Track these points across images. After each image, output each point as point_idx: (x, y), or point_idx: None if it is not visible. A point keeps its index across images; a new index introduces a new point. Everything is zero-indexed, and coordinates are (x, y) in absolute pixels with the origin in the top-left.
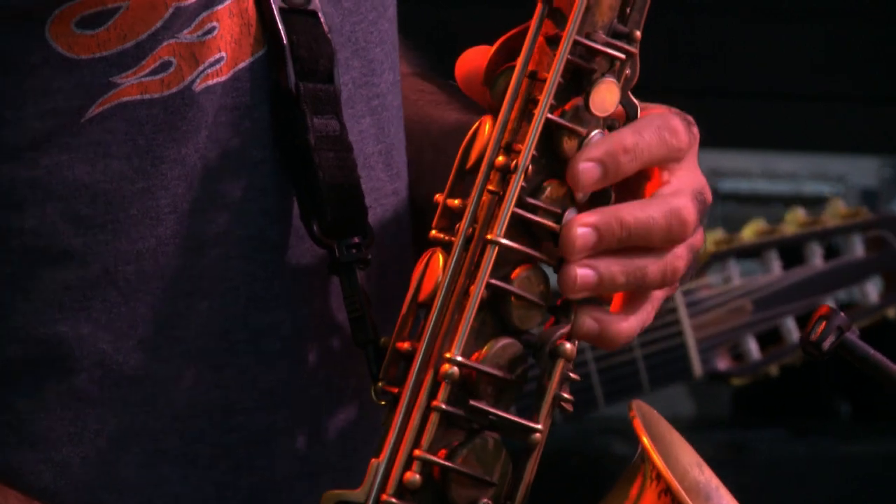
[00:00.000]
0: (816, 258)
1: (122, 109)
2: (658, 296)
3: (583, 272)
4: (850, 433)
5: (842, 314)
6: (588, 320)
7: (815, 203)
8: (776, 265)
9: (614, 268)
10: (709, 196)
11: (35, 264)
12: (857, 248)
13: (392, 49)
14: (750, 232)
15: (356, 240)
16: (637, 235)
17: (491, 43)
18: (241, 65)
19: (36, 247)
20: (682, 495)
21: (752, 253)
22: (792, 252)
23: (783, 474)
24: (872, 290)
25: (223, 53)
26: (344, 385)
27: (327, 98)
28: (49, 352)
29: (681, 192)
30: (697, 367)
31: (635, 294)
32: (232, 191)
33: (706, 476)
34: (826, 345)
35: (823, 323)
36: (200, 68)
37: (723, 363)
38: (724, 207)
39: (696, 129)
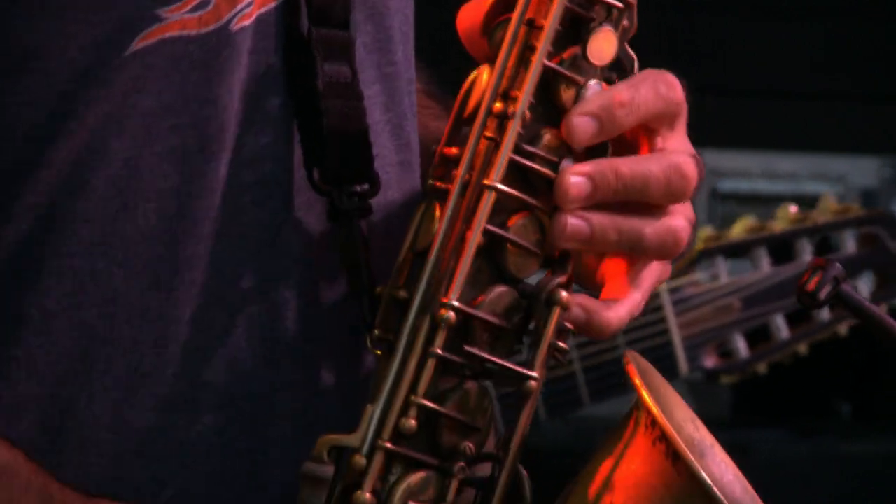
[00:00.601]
0: (806, 255)
1: (162, 45)
2: (647, 283)
3: (574, 221)
4: (850, 433)
5: (837, 265)
6: (576, 308)
7: (814, 203)
8: (765, 262)
9: (607, 222)
10: (702, 168)
11: (57, 194)
12: (849, 245)
13: (407, 25)
14: (739, 229)
15: (357, 188)
16: (633, 188)
17: None
18: (264, 9)
19: (61, 177)
20: (677, 442)
21: (740, 250)
22: (782, 249)
23: (784, 474)
24: (864, 286)
25: None
26: (342, 336)
27: (340, 43)
28: (61, 285)
29: (680, 150)
30: (683, 365)
31: (624, 280)
32: (247, 135)
33: (701, 433)
34: (822, 295)
35: (820, 273)
36: (237, 8)
37: (710, 361)
38: (723, 207)
39: (683, 102)
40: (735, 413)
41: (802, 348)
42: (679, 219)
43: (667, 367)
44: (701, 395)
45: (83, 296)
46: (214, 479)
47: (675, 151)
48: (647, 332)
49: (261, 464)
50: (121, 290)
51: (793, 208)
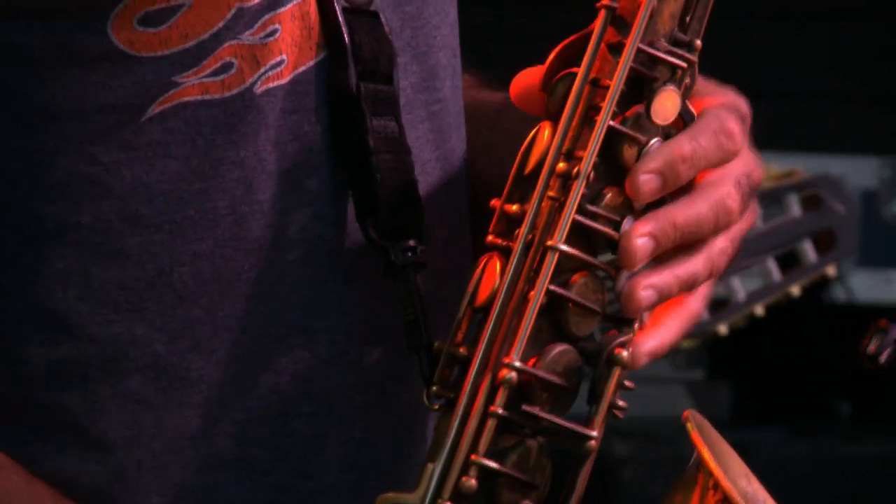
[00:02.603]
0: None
1: (182, 109)
2: (693, 311)
3: (646, 294)
4: (850, 433)
5: None
6: (642, 360)
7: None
8: None
9: (670, 279)
10: (756, 176)
11: (90, 262)
12: (794, 208)
13: (453, 56)
14: None
15: (412, 243)
16: (689, 234)
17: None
18: (302, 68)
19: (91, 244)
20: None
21: None
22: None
23: (784, 474)
24: (809, 248)
25: (284, 56)
26: (395, 390)
27: (386, 99)
28: (103, 353)
29: (725, 178)
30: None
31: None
32: (289, 194)
33: (754, 487)
34: (883, 358)
35: (881, 336)
36: (261, 70)
37: None
38: None
39: (748, 118)
40: (734, 413)
41: (759, 310)
42: (725, 243)
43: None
44: (700, 396)
45: (126, 362)
46: None
47: (723, 180)
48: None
49: None
50: (161, 355)
51: None
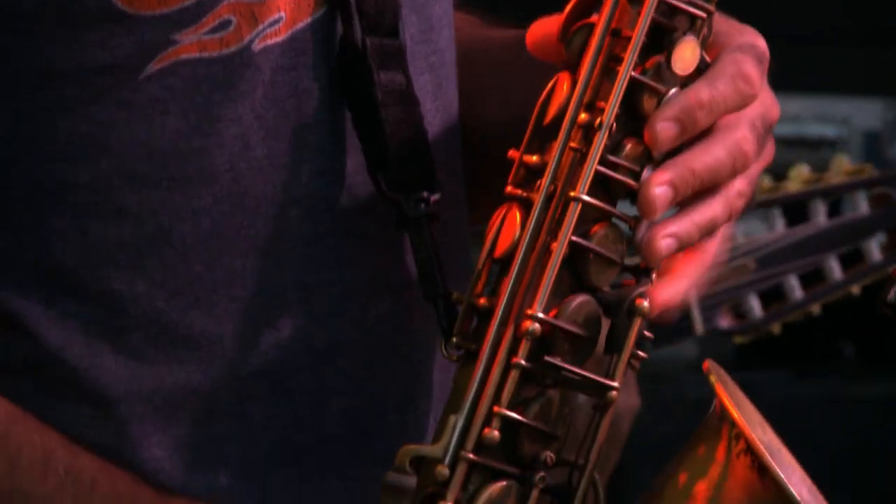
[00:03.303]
0: (820, 216)
1: (180, 67)
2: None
3: (666, 243)
4: (854, 375)
5: None
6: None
7: (818, 145)
8: (779, 223)
9: (689, 226)
10: (773, 116)
11: (89, 220)
12: (862, 205)
13: (448, 5)
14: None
15: (424, 194)
16: (707, 180)
17: None
18: (300, 25)
19: (90, 202)
20: (765, 457)
21: (756, 211)
22: (796, 209)
23: (788, 417)
24: (875, 247)
25: (282, 13)
26: (399, 344)
27: (393, 52)
28: (103, 310)
29: (741, 121)
30: (699, 325)
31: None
32: (287, 151)
33: (769, 436)
34: None
35: None
36: (259, 28)
37: (725, 321)
38: None
39: (766, 58)
40: (738, 356)
41: (816, 308)
42: (743, 185)
43: (682, 327)
44: (704, 339)
45: (126, 319)
46: (269, 491)
47: (739, 122)
48: None
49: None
50: (162, 311)
51: (805, 169)
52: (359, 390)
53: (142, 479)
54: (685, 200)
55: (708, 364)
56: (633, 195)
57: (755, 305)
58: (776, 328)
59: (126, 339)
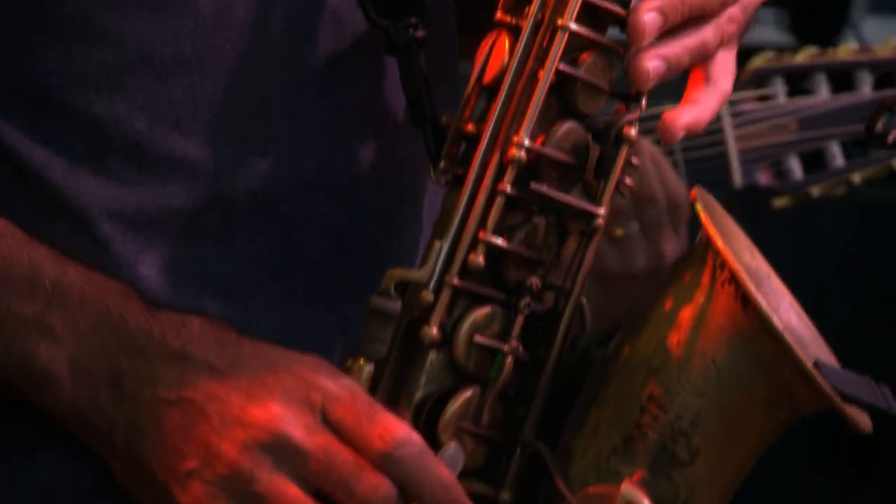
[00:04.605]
0: (866, 86)
1: None
2: (723, 72)
3: (654, 64)
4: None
5: None
6: (679, 132)
7: None
8: (824, 89)
9: (678, 50)
10: None
11: (71, 44)
12: None
13: None
14: (801, 56)
15: (413, 20)
16: (696, 7)
17: None
18: None
19: (72, 27)
20: (748, 287)
21: (800, 75)
22: (842, 78)
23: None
24: None
25: None
26: (385, 168)
27: None
28: (85, 132)
29: None
30: (738, 178)
31: (700, 82)
32: None
33: (758, 262)
34: (891, 137)
35: (889, 116)
36: None
37: (764, 178)
38: None
39: None
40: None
41: (857, 178)
42: (734, 9)
43: (722, 178)
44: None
45: (108, 142)
46: (254, 313)
47: None
48: (704, 142)
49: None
50: (143, 133)
51: (853, 44)
52: (345, 215)
53: (133, 293)
54: (675, 29)
55: (695, 191)
56: (623, 23)
57: (795, 167)
58: (815, 191)
59: (107, 162)
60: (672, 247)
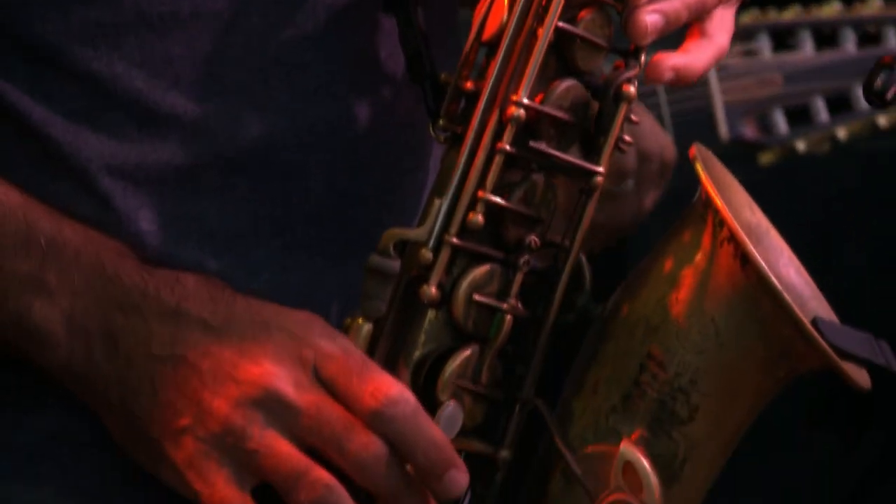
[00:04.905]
0: (850, 44)
1: None
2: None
3: (651, 18)
4: None
5: None
6: (667, 73)
7: None
8: (808, 45)
9: (678, 5)
10: None
11: (69, 2)
12: (892, 40)
13: None
14: (786, 13)
15: None
16: None
17: None
18: None
19: None
20: (747, 246)
21: (785, 31)
22: (827, 35)
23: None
24: None
25: None
26: (383, 122)
27: None
28: (84, 89)
29: None
30: (724, 131)
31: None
32: None
33: (757, 217)
34: (890, 94)
35: (887, 73)
36: None
37: (749, 131)
38: None
39: None
40: None
41: (842, 133)
42: None
43: (707, 130)
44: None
45: (107, 99)
46: (254, 266)
47: None
48: (689, 94)
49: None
50: (142, 91)
51: (837, 4)
52: (345, 170)
53: (128, 251)
54: None
55: (694, 149)
56: None
57: (781, 121)
58: (801, 146)
59: (107, 118)
60: (652, 198)
